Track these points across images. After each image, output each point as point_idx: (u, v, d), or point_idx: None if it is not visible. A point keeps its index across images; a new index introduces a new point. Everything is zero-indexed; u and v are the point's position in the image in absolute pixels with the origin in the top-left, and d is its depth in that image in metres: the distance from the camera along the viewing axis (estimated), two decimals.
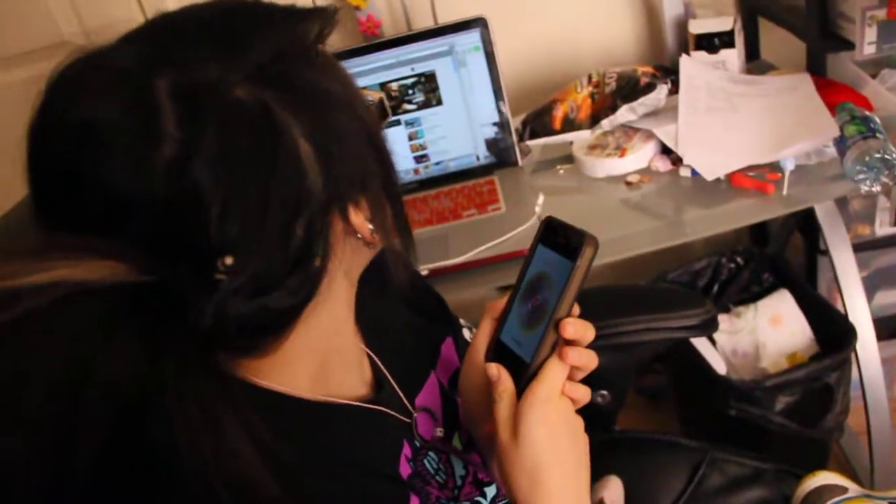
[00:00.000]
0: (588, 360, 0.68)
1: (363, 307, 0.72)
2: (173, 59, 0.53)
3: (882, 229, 1.69)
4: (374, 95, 0.72)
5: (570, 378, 0.68)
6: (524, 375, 0.68)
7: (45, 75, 0.54)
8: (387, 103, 0.73)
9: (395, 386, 0.76)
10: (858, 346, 1.50)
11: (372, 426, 0.72)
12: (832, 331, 1.54)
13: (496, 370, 0.69)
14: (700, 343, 1.56)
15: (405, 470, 0.73)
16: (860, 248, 1.62)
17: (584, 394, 0.69)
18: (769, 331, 1.58)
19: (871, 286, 1.73)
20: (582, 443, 0.69)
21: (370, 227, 0.63)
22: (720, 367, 1.54)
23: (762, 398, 1.47)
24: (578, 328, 0.67)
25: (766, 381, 1.46)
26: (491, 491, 0.81)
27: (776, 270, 1.70)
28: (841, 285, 1.50)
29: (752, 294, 1.69)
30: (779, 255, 1.74)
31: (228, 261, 0.52)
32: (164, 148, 0.50)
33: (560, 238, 0.68)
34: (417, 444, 0.75)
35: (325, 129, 0.57)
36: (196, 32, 0.56)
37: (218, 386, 0.54)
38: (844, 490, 1.11)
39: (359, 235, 0.62)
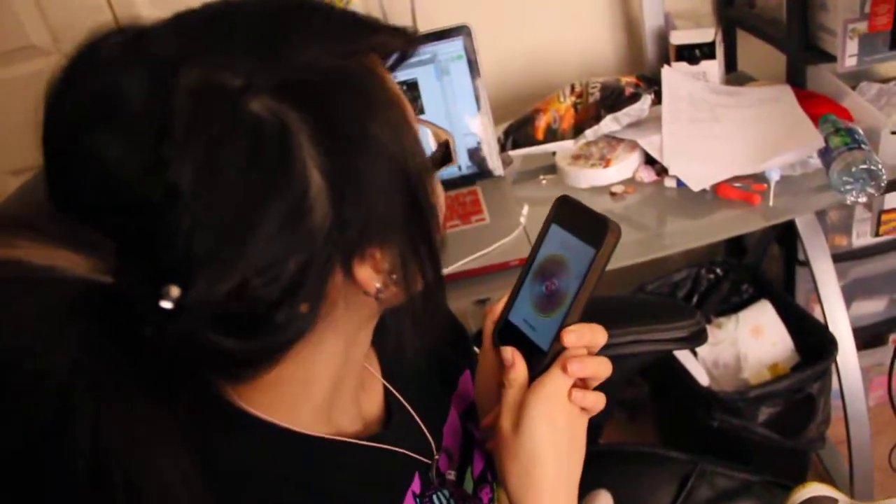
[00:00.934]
0: (597, 369, 0.65)
1: (383, 331, 0.68)
2: (206, 54, 0.49)
3: (859, 240, 1.71)
4: (440, 135, 0.64)
5: (584, 386, 0.66)
6: (539, 363, 0.65)
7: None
8: (453, 145, 0.65)
9: (416, 418, 0.74)
10: (838, 357, 1.50)
11: (376, 463, 0.68)
12: (812, 341, 1.54)
13: (511, 355, 0.67)
14: (682, 355, 1.55)
15: None
16: (837, 258, 1.63)
17: (594, 401, 0.66)
18: (750, 342, 1.58)
19: (848, 296, 1.74)
20: (580, 451, 0.67)
21: (378, 284, 0.56)
22: (703, 379, 1.54)
23: (745, 409, 1.47)
24: (585, 335, 0.64)
25: (749, 392, 1.46)
26: None
27: (756, 281, 1.71)
28: (821, 295, 1.51)
29: (732, 305, 1.69)
30: (757, 266, 1.74)
31: (174, 291, 0.47)
32: (160, 140, 0.47)
33: (577, 219, 0.65)
34: (433, 480, 0.73)
35: (350, 172, 0.50)
36: (242, 27, 0.51)
37: (152, 410, 0.49)
38: (834, 501, 1.11)
39: (364, 291, 0.56)
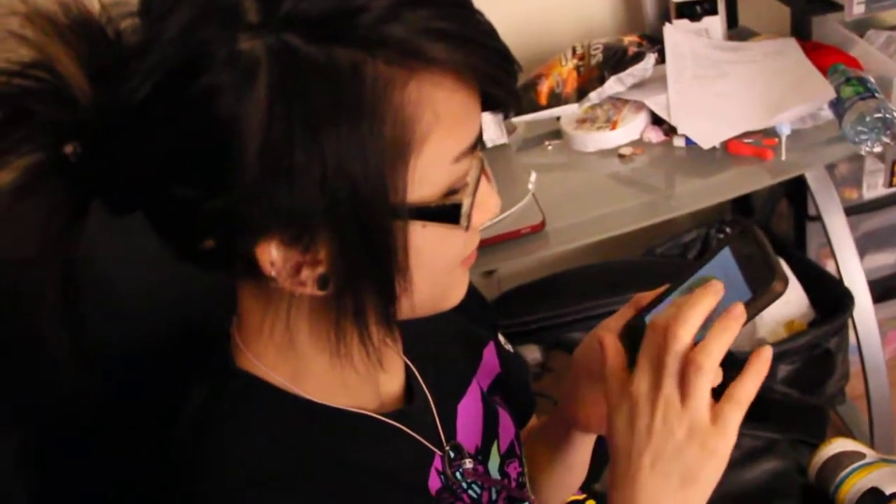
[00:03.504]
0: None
1: None
2: None
3: (870, 192, 1.69)
4: (486, 202, 0.59)
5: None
6: None
7: None
8: (487, 215, 0.59)
9: (430, 398, 0.72)
10: (854, 311, 1.49)
11: (397, 438, 0.67)
12: (828, 296, 1.52)
13: (613, 348, 0.65)
14: None
15: (434, 483, 0.69)
16: (848, 212, 1.61)
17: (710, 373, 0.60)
18: None
19: (860, 250, 1.72)
20: (702, 457, 0.60)
21: (274, 273, 0.53)
22: None
23: None
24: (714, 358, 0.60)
25: None
26: None
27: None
28: (835, 250, 1.49)
29: None
30: (767, 223, 1.72)
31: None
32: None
33: (751, 255, 0.61)
34: (451, 455, 0.71)
35: (285, 159, 0.48)
36: None
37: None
38: (862, 456, 1.10)
39: (273, 273, 0.53)
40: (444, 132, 0.52)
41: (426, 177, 0.52)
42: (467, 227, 0.56)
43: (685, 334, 0.59)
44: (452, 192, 0.55)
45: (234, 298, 0.63)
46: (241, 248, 0.52)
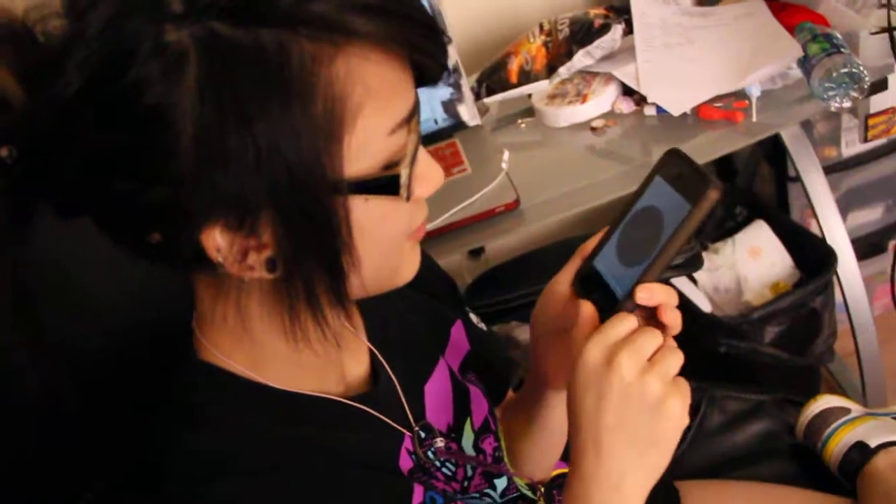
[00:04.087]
0: (674, 320, 0.62)
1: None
2: None
3: (848, 149, 1.68)
4: (426, 174, 0.59)
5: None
6: (610, 310, 0.63)
7: None
8: (425, 184, 0.60)
9: (395, 381, 0.72)
10: (839, 269, 1.49)
11: (364, 421, 0.68)
12: (812, 256, 1.53)
13: (586, 312, 0.64)
14: (682, 283, 1.54)
15: (406, 464, 0.69)
16: (829, 170, 1.61)
17: (672, 359, 0.61)
18: (749, 263, 1.57)
19: (843, 208, 1.72)
20: (657, 420, 0.59)
21: (220, 259, 0.54)
22: (704, 306, 1.52)
23: (750, 331, 1.45)
24: (658, 294, 0.62)
25: (753, 313, 1.44)
26: (501, 483, 0.77)
27: (748, 202, 1.69)
28: (816, 209, 1.49)
29: (728, 229, 1.67)
30: (749, 186, 1.72)
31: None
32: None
33: (681, 174, 0.63)
34: (422, 435, 0.71)
35: (220, 144, 0.49)
36: None
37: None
38: (847, 411, 1.10)
39: (220, 259, 0.54)
40: (376, 106, 0.53)
41: (362, 151, 0.53)
42: (408, 198, 0.56)
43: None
44: (391, 165, 0.55)
45: (190, 292, 0.64)
46: (185, 237, 0.52)
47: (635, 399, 0.59)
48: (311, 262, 0.54)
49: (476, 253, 1.88)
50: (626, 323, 0.61)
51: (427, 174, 0.59)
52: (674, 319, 0.63)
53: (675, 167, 0.64)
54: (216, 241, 0.53)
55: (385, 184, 0.55)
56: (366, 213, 0.55)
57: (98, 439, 0.71)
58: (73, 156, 0.51)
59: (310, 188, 0.51)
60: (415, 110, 0.57)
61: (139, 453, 0.62)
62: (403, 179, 0.56)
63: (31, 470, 0.69)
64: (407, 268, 0.63)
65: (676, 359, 0.61)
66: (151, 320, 0.76)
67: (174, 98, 0.48)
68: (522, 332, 1.83)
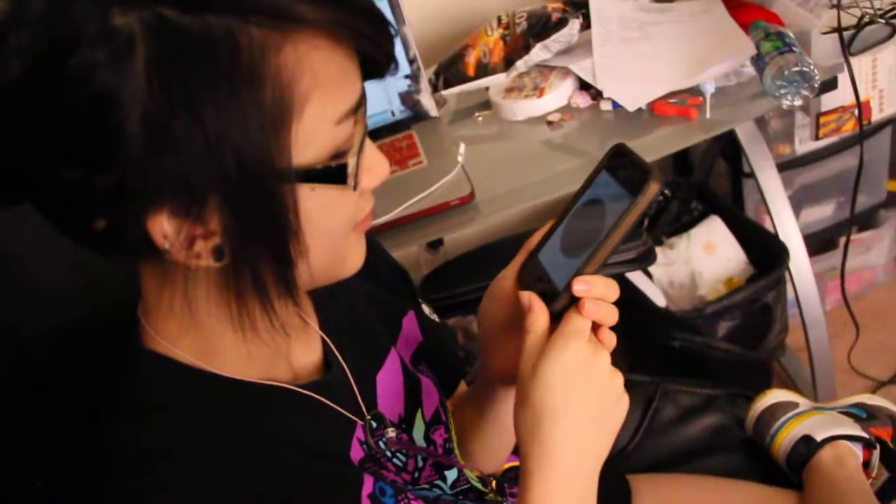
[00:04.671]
0: (606, 315, 0.64)
1: None
2: None
3: (802, 147, 1.71)
4: (372, 164, 0.59)
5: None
6: (552, 303, 0.64)
7: None
8: (369, 176, 0.60)
9: (346, 369, 0.71)
10: (791, 264, 1.51)
11: (315, 409, 0.67)
12: (765, 251, 1.55)
13: (528, 299, 0.65)
14: (637, 277, 1.55)
15: (357, 453, 0.69)
16: (782, 167, 1.63)
17: (611, 338, 0.65)
18: (704, 258, 1.58)
19: (796, 204, 1.75)
20: (604, 402, 0.63)
21: (167, 245, 0.53)
22: (659, 300, 1.53)
23: (703, 326, 1.47)
24: (596, 287, 0.63)
25: (706, 308, 1.46)
26: (451, 475, 0.77)
27: (704, 198, 1.70)
28: (769, 205, 1.51)
29: (683, 224, 1.69)
30: (705, 182, 1.74)
31: None
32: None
33: (625, 168, 0.64)
34: (374, 425, 0.71)
35: (167, 128, 0.48)
36: None
37: None
38: (795, 405, 1.11)
39: (167, 245, 0.53)
40: (323, 94, 0.53)
41: (310, 140, 0.53)
42: (355, 187, 0.56)
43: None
44: (338, 154, 0.55)
45: (136, 281, 0.62)
46: (132, 223, 0.52)
47: (593, 383, 0.62)
48: (259, 250, 0.54)
49: (434, 245, 1.88)
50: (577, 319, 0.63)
51: (374, 165, 0.59)
52: (607, 314, 0.64)
53: (620, 161, 0.65)
54: (163, 227, 0.52)
55: (332, 173, 0.55)
56: (313, 201, 0.55)
57: (43, 429, 0.70)
58: (14, 141, 0.50)
59: (257, 175, 0.51)
60: (361, 101, 0.57)
61: (85, 442, 0.61)
62: (351, 169, 0.56)
63: None
64: (353, 259, 0.63)
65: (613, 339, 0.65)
66: (95, 309, 0.75)
67: (121, 83, 0.47)
68: (476, 326, 1.83)
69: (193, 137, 0.48)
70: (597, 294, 0.62)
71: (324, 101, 0.53)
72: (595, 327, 0.64)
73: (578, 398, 0.62)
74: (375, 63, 0.57)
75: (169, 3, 0.48)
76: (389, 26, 0.55)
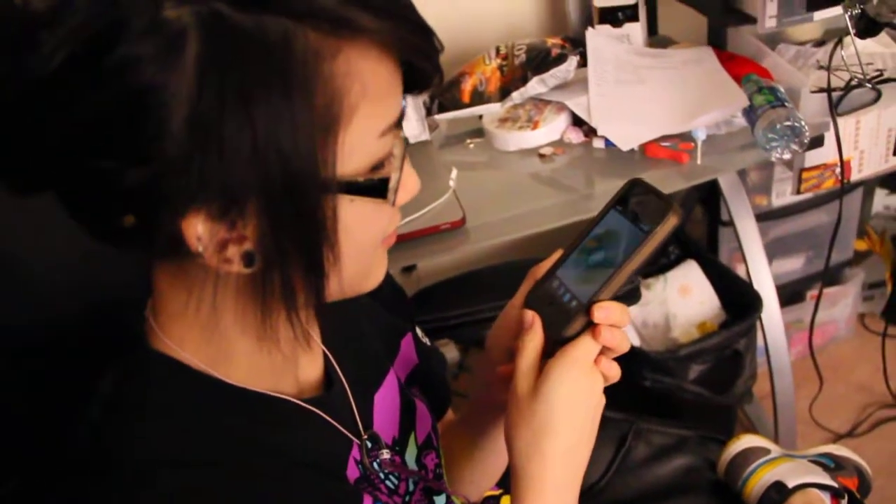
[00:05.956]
0: (622, 342, 0.65)
1: None
2: None
3: (778, 199, 1.75)
4: (406, 183, 0.59)
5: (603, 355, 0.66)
6: (562, 330, 0.65)
7: None
8: (406, 192, 0.60)
9: (347, 387, 0.71)
10: (763, 313, 1.54)
11: (316, 424, 0.67)
12: (738, 299, 1.57)
13: (531, 318, 0.66)
14: None
15: (353, 472, 0.68)
16: (759, 218, 1.66)
17: (616, 373, 0.67)
18: (679, 301, 1.61)
19: (769, 255, 1.78)
20: (595, 424, 0.66)
21: (201, 248, 0.51)
22: (633, 339, 1.55)
23: (675, 368, 1.49)
24: (614, 313, 0.64)
25: (679, 350, 1.47)
26: (440, 500, 0.77)
27: (681, 242, 1.73)
28: (746, 254, 1.54)
29: (660, 266, 1.71)
30: (682, 227, 1.77)
31: None
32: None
33: (643, 200, 0.65)
34: (369, 445, 0.70)
35: (213, 129, 0.47)
36: None
37: None
38: (767, 451, 1.13)
39: (200, 248, 0.51)
40: (371, 106, 0.52)
41: (354, 151, 0.52)
42: (394, 203, 0.56)
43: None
44: (378, 167, 0.55)
45: (147, 280, 0.61)
46: (165, 222, 0.50)
47: (591, 406, 0.65)
48: (293, 259, 0.53)
49: (408, 269, 1.88)
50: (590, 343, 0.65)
51: (407, 181, 0.59)
52: (622, 341, 0.66)
53: (637, 194, 0.66)
54: (198, 229, 0.50)
55: (374, 186, 0.55)
56: (351, 213, 0.54)
57: (34, 426, 0.68)
58: (51, 129, 0.48)
59: (301, 183, 0.50)
60: (402, 116, 0.57)
61: (81, 441, 0.59)
62: (392, 184, 0.55)
63: None
64: (378, 272, 0.63)
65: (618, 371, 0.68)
66: (92, 307, 0.73)
67: (168, 79, 0.46)
68: (449, 351, 1.83)
69: (241, 140, 0.47)
70: (613, 320, 0.63)
71: (370, 112, 0.52)
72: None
73: (579, 419, 0.65)
74: (423, 76, 0.57)
75: (215, 21, 0.46)
76: (437, 40, 0.55)
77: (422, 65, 0.55)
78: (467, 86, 1.49)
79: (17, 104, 0.48)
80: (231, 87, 0.47)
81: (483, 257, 1.78)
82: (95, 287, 0.72)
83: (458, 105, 1.48)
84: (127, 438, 0.58)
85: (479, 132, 1.49)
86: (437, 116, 1.50)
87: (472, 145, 1.48)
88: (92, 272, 0.71)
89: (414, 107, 1.46)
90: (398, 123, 0.56)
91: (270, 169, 0.49)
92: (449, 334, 1.37)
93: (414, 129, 1.47)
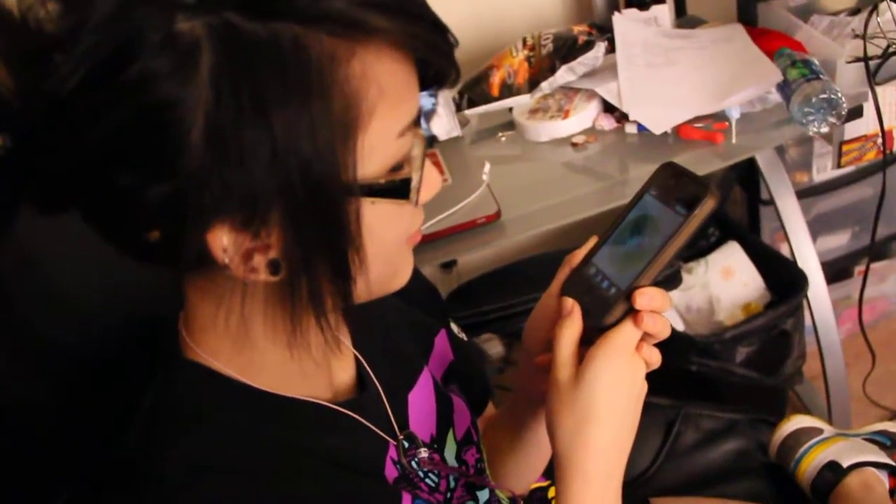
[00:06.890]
0: (664, 327, 0.65)
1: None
2: None
3: (819, 175, 1.71)
4: (429, 180, 0.58)
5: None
6: (602, 317, 0.64)
7: None
8: (428, 190, 0.59)
9: (380, 388, 0.71)
10: (809, 291, 1.51)
11: (351, 427, 0.67)
12: (783, 278, 1.55)
13: (570, 305, 0.66)
14: None
15: (391, 473, 0.68)
16: (799, 195, 1.63)
17: (657, 359, 0.66)
18: (721, 284, 1.58)
19: (812, 232, 1.75)
20: (638, 411, 0.65)
21: (227, 260, 0.51)
22: (677, 324, 1.53)
23: (722, 351, 1.47)
24: (656, 299, 0.63)
25: (725, 333, 1.45)
26: (483, 495, 0.77)
27: (721, 224, 1.71)
28: (788, 232, 1.51)
29: (701, 249, 1.69)
30: (722, 208, 1.74)
31: None
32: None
33: (678, 183, 0.64)
34: (406, 445, 0.70)
35: (233, 138, 0.47)
36: None
37: None
38: (820, 431, 1.11)
39: (226, 260, 0.52)
40: (388, 107, 0.52)
41: (374, 153, 0.52)
42: (416, 203, 0.56)
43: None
44: (398, 167, 0.55)
45: (179, 293, 0.62)
46: (190, 235, 0.50)
47: (633, 393, 0.64)
48: (319, 264, 0.53)
49: (448, 266, 1.88)
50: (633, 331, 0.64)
51: (429, 179, 0.59)
52: (663, 327, 0.65)
53: (672, 178, 0.65)
54: (222, 241, 0.51)
55: (396, 187, 0.54)
56: (374, 215, 0.54)
57: (76, 440, 0.69)
58: (73, 147, 0.49)
59: (323, 188, 0.50)
60: (420, 114, 0.56)
61: (123, 453, 0.60)
62: (414, 183, 0.55)
63: (6, 471, 0.67)
64: (405, 271, 0.63)
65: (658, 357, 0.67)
66: (132, 320, 0.74)
67: (186, 92, 0.46)
68: (494, 346, 1.83)
69: (261, 150, 0.47)
70: (655, 307, 0.63)
71: (388, 113, 0.52)
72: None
73: (621, 407, 0.64)
74: (439, 73, 0.56)
75: (237, 8, 0.47)
76: (451, 35, 0.55)
77: (437, 61, 0.55)
78: (496, 79, 1.48)
79: (37, 126, 0.49)
80: (247, 97, 0.47)
81: (522, 251, 1.78)
82: (131, 302, 0.73)
83: (488, 99, 1.48)
84: (169, 449, 0.58)
85: (510, 125, 1.48)
86: (467, 112, 1.50)
87: (503, 138, 1.47)
88: (127, 287, 0.72)
89: (444, 103, 1.46)
90: (416, 122, 0.56)
91: (291, 176, 0.49)
92: (492, 328, 1.37)
93: (445, 125, 1.47)
